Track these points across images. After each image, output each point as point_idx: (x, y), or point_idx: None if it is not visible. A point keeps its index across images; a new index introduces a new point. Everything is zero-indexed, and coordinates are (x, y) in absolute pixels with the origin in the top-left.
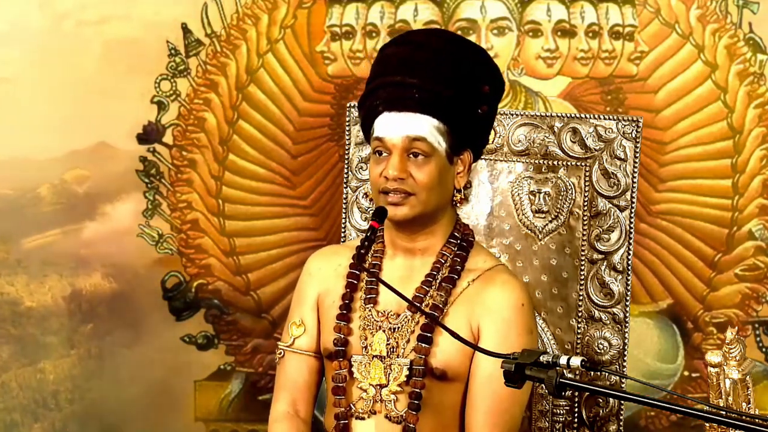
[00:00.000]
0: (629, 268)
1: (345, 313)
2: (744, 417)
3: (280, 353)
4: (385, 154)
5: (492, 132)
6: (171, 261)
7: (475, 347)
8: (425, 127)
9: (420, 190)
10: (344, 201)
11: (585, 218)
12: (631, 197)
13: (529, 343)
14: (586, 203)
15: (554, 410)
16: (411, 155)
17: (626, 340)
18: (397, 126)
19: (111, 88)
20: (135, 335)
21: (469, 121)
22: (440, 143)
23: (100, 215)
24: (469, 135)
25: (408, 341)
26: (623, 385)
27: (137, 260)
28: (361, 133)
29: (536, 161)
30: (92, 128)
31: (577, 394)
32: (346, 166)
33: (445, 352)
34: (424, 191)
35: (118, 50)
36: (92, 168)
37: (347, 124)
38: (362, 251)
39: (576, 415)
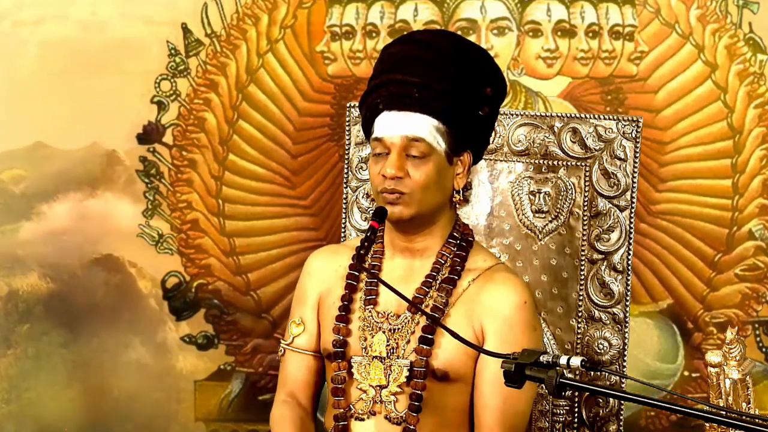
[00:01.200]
0: (629, 268)
1: (344, 314)
2: (744, 417)
3: (281, 351)
4: (384, 153)
5: (492, 133)
6: (107, 261)
7: (475, 347)
8: (424, 127)
9: (417, 190)
10: (344, 201)
11: (585, 218)
12: (631, 197)
13: (533, 340)
14: (586, 203)
15: (554, 410)
16: (409, 155)
17: (626, 340)
18: (396, 125)
19: (48, 87)
20: (72, 335)
21: (470, 122)
22: (439, 143)
23: (36, 215)
24: (469, 136)
25: (408, 342)
26: (623, 385)
27: (74, 260)
28: (361, 133)
29: (536, 161)
30: (29, 128)
31: (577, 394)
32: (346, 166)
33: (446, 353)
34: (421, 190)
35: (54, 50)
36: (29, 168)
37: (347, 124)
38: (362, 252)
39: (576, 415)
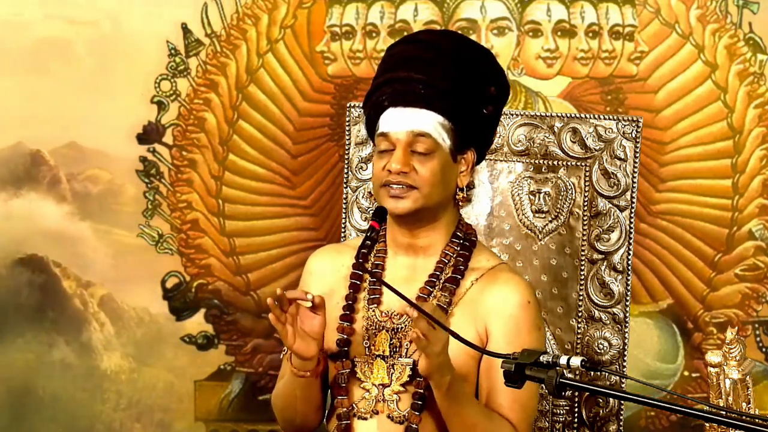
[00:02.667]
0: (629, 268)
1: (348, 314)
2: (744, 417)
3: (285, 351)
4: (389, 149)
5: (496, 133)
6: (31, 261)
7: (476, 348)
8: (429, 122)
9: (422, 185)
10: (344, 201)
11: (585, 218)
12: (631, 197)
13: (537, 339)
14: (586, 203)
15: (554, 410)
16: (414, 150)
17: (626, 340)
18: (401, 121)
19: None
20: None
21: (474, 120)
22: (444, 140)
23: None
24: (473, 134)
25: (411, 341)
26: (623, 385)
27: None
28: (360, 133)
29: (536, 161)
30: None
31: (577, 394)
32: (346, 166)
33: (449, 352)
34: (427, 186)
35: None
36: None
37: (347, 124)
38: (364, 251)
39: (576, 415)
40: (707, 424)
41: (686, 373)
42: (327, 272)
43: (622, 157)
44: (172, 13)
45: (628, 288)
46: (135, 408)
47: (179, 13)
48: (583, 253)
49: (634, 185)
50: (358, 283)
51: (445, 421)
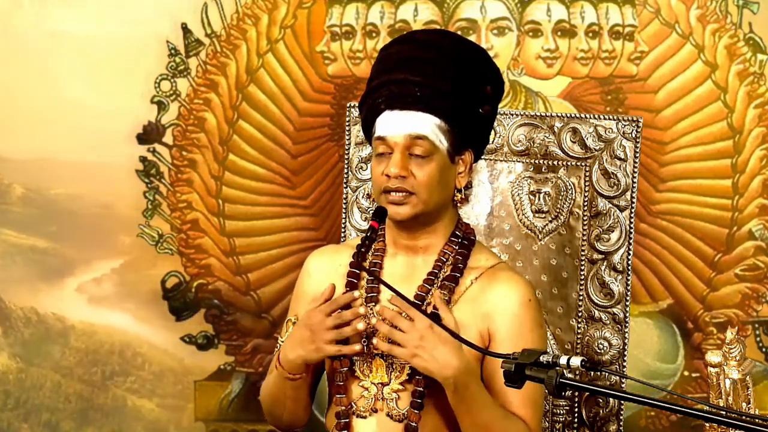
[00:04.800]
0: (629, 268)
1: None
2: (744, 417)
3: (278, 347)
4: (387, 153)
5: (492, 132)
6: None
7: (474, 346)
8: (427, 125)
9: (421, 189)
10: (344, 201)
11: (585, 218)
12: (631, 197)
13: (540, 337)
14: (586, 203)
15: (554, 410)
16: (412, 154)
17: (626, 340)
18: (398, 124)
19: None
20: None
21: (471, 120)
22: (442, 142)
23: None
24: (470, 134)
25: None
26: (623, 385)
27: None
28: (361, 133)
29: (536, 161)
30: None
31: (577, 394)
32: (346, 166)
33: None
34: (425, 190)
35: None
36: None
37: (347, 124)
38: (362, 250)
39: (576, 415)
40: (707, 424)
41: (686, 373)
42: (325, 272)
43: (622, 157)
44: (172, 13)
45: (628, 288)
46: (22, 408)
47: (179, 13)
48: (583, 253)
49: (634, 185)
50: (355, 281)
51: (458, 419)
